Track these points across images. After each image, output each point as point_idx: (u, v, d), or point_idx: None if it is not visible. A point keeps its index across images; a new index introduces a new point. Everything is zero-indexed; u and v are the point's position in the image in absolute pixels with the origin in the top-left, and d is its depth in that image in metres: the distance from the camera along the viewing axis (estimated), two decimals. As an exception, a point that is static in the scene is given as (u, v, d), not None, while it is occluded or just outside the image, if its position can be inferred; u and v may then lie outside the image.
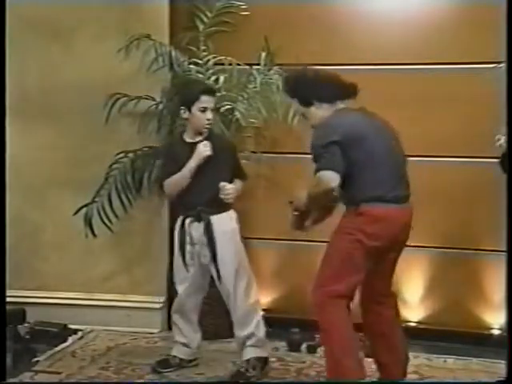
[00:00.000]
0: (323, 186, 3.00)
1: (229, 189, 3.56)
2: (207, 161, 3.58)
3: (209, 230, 3.61)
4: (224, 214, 3.64)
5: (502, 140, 3.20)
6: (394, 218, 3.12)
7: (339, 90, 3.28)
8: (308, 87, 3.26)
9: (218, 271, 3.63)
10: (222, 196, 3.55)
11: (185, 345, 3.82)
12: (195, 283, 3.73)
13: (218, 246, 3.61)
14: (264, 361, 3.72)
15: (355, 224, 3.08)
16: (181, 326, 3.81)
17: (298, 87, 3.30)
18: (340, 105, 3.25)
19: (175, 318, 3.83)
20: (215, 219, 3.61)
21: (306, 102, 3.25)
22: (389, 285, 3.35)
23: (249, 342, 3.66)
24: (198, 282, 3.74)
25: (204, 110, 3.56)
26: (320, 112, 3.23)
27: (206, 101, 3.57)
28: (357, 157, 3.06)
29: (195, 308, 3.81)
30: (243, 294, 3.65)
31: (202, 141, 3.59)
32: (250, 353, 3.66)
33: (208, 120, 3.58)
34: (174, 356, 3.83)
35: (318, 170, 3.02)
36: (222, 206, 3.61)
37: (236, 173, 3.69)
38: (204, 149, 3.56)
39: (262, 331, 3.70)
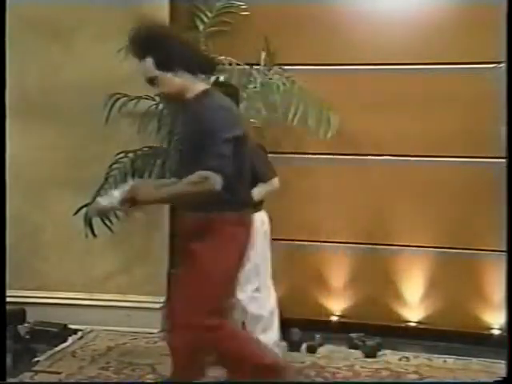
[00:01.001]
0: (207, 187, 2.59)
1: None
2: None
3: None
4: None
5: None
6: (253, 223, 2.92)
7: (203, 61, 2.86)
8: (171, 48, 2.76)
9: None
10: None
11: None
12: None
13: None
14: None
15: (234, 233, 2.75)
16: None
17: (157, 44, 2.77)
18: (202, 82, 2.84)
19: None
20: None
21: (165, 65, 2.75)
22: None
23: None
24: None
25: None
26: (178, 81, 2.76)
27: None
28: (241, 158, 2.73)
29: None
30: (248, 299, 3.59)
31: None
32: None
33: None
34: None
35: (207, 168, 2.59)
36: None
37: (257, 176, 3.48)
38: None
39: (268, 338, 3.58)
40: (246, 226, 2.83)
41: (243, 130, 2.76)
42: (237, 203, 2.77)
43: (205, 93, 2.80)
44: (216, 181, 2.59)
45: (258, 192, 3.53)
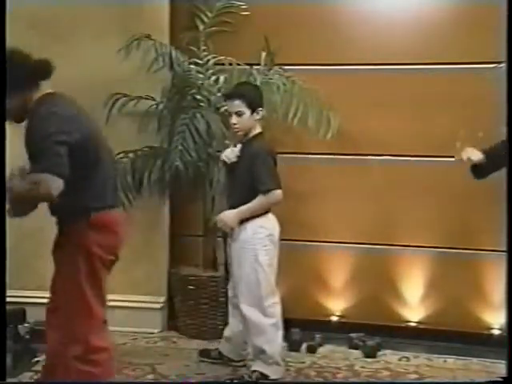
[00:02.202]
0: (44, 190, 2.52)
1: (219, 219, 3.59)
2: (234, 168, 3.60)
3: (225, 237, 3.67)
4: (247, 223, 3.55)
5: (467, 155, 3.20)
6: (120, 225, 2.83)
7: (33, 73, 2.74)
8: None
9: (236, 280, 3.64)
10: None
11: (226, 339, 3.83)
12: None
13: (233, 254, 3.62)
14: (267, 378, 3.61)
15: (88, 237, 2.73)
16: (229, 322, 3.83)
17: None
18: (40, 88, 2.75)
19: (229, 315, 3.84)
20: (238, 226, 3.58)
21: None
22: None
23: (260, 356, 3.57)
24: None
25: (229, 113, 3.62)
26: (15, 103, 2.73)
27: (228, 105, 3.63)
28: (87, 160, 2.69)
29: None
30: (247, 307, 3.55)
31: (238, 145, 3.65)
32: (258, 366, 3.58)
33: (233, 124, 3.58)
34: (216, 348, 3.88)
35: (40, 170, 2.54)
36: None
37: (256, 186, 3.50)
38: (223, 154, 3.65)
39: (274, 349, 3.56)
40: (100, 232, 2.74)
41: (81, 134, 2.66)
42: (83, 209, 2.74)
43: (38, 102, 2.71)
44: (53, 183, 2.51)
45: (253, 204, 3.50)
